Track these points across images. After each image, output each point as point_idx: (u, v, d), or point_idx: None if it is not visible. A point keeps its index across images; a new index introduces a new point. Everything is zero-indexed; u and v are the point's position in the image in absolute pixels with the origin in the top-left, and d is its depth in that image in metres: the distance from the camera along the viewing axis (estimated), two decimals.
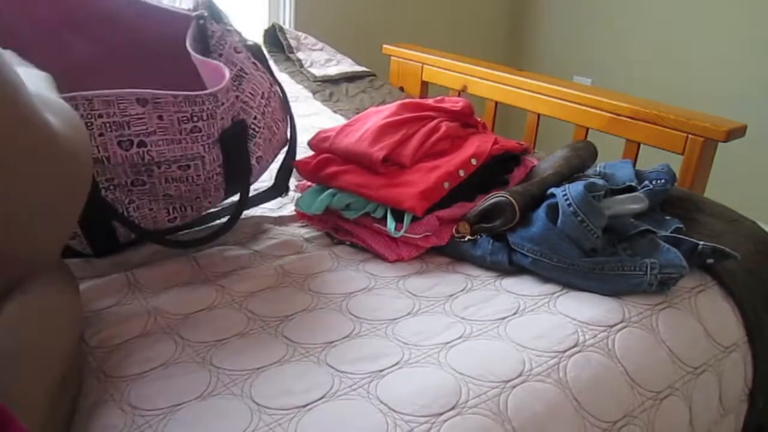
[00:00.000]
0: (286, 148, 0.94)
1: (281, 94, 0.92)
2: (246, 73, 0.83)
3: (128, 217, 0.75)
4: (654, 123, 1.22)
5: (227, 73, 0.77)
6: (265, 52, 0.93)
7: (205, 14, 0.85)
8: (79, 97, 0.66)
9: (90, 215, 0.70)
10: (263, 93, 0.85)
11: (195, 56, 0.80)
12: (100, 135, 0.68)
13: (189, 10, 0.87)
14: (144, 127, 0.69)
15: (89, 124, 0.67)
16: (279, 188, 0.95)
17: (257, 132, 0.82)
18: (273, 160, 0.90)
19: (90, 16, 0.89)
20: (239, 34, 0.92)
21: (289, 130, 0.93)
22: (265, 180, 1.00)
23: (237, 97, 0.80)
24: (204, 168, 0.75)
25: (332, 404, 0.58)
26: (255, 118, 0.82)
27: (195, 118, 0.72)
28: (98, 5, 0.89)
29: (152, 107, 0.70)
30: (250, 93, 0.83)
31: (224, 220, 0.85)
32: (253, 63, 0.86)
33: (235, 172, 0.80)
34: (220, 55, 0.84)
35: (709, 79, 2.36)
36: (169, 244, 0.78)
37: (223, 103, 0.75)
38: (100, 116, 0.67)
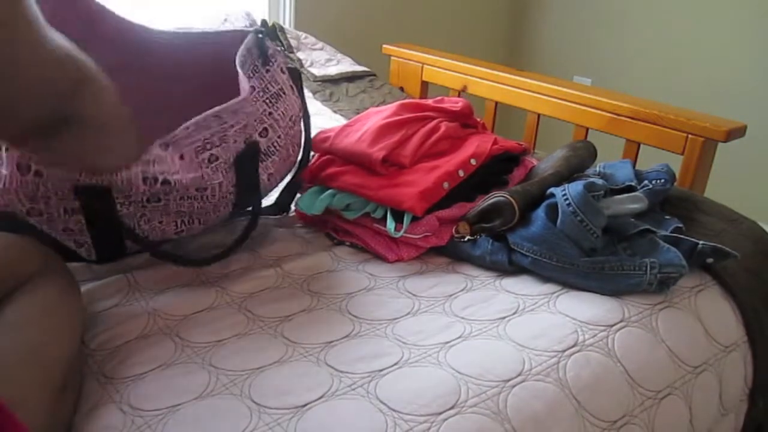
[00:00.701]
0: (294, 169, 0.96)
1: (305, 121, 0.95)
2: (284, 94, 0.85)
3: (138, 230, 0.75)
4: (654, 123, 1.22)
5: (243, 93, 0.78)
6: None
7: (264, 30, 0.88)
8: None
9: (103, 230, 0.72)
10: (292, 116, 0.86)
11: (240, 73, 0.81)
12: (126, 168, 0.68)
13: (246, 26, 0.90)
14: (167, 167, 0.71)
15: None
16: (281, 206, 0.96)
17: (276, 151, 0.83)
18: (282, 180, 0.91)
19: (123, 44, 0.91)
20: (283, 54, 0.93)
21: (301, 153, 0.94)
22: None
23: (270, 114, 0.82)
24: (220, 190, 0.76)
25: (332, 404, 0.58)
26: (279, 137, 0.83)
27: (208, 145, 0.74)
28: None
29: (173, 149, 0.71)
30: (282, 113, 0.84)
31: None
32: (291, 86, 0.88)
33: (247, 191, 0.80)
34: (267, 71, 0.85)
35: (709, 79, 2.36)
36: (181, 262, 0.78)
37: (232, 126, 0.76)
38: None
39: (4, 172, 0.67)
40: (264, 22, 0.90)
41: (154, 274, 0.79)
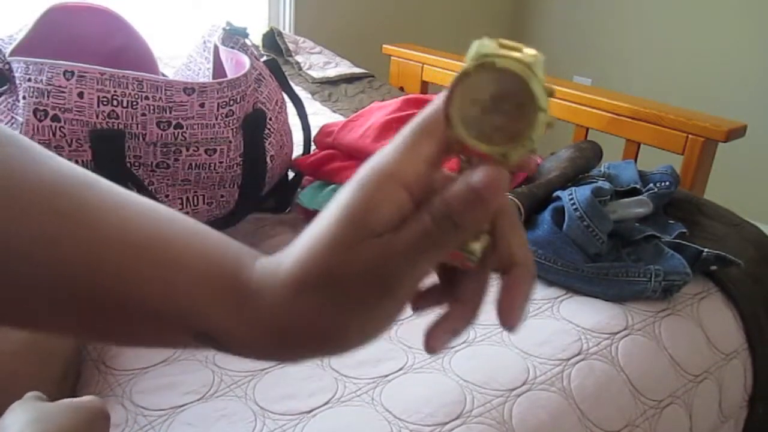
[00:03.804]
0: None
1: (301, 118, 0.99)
2: (264, 78, 0.87)
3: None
4: (654, 123, 1.22)
5: (247, 62, 0.82)
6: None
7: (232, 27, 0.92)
8: (130, 77, 0.71)
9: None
10: (276, 100, 0.88)
11: (222, 48, 0.87)
12: (142, 115, 0.72)
13: (214, 26, 0.94)
14: (184, 113, 0.74)
15: (134, 102, 0.71)
16: (280, 204, 0.97)
17: (271, 132, 0.85)
18: (282, 173, 0.92)
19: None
20: (257, 48, 0.97)
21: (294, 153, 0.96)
22: None
23: (257, 98, 0.84)
24: (228, 154, 0.78)
25: (337, 411, 0.57)
26: (270, 119, 0.85)
27: (232, 102, 0.77)
28: None
29: (197, 96, 0.74)
30: (267, 95, 0.86)
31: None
32: (270, 75, 0.90)
33: (252, 167, 0.82)
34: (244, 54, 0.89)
35: (709, 79, 2.36)
36: None
37: (250, 85, 0.81)
38: (146, 98, 0.72)
39: (20, 119, 0.68)
40: (229, 23, 0.93)
41: None
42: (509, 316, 0.29)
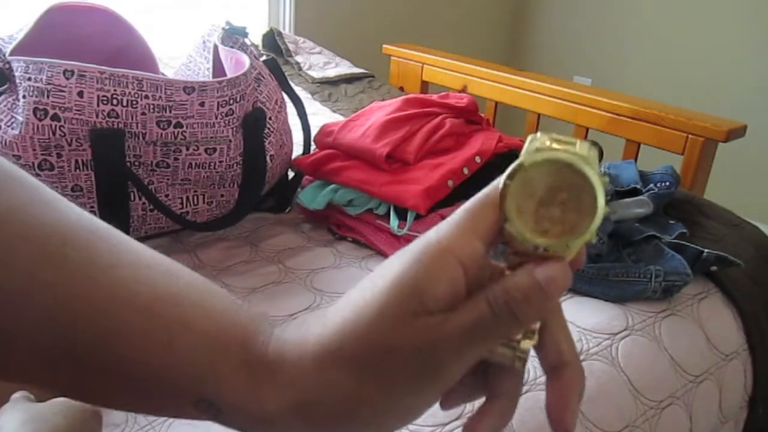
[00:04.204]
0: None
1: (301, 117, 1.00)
2: (264, 77, 0.87)
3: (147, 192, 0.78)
4: (654, 123, 1.22)
5: (247, 61, 0.82)
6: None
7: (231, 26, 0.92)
8: (130, 76, 0.71)
9: (112, 187, 0.74)
10: (276, 100, 0.88)
11: (222, 47, 0.87)
12: (142, 114, 0.72)
13: (213, 26, 0.94)
14: (184, 112, 0.74)
15: (134, 101, 0.71)
16: (280, 203, 0.97)
17: (271, 132, 0.85)
18: (282, 172, 0.92)
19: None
20: (257, 48, 0.97)
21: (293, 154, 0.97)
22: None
23: (256, 98, 0.84)
24: (228, 153, 0.78)
25: None
26: (270, 118, 0.85)
27: (231, 101, 0.77)
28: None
29: (197, 95, 0.74)
30: (267, 95, 0.86)
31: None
32: (269, 75, 0.90)
33: (252, 166, 0.82)
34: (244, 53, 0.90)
35: (709, 79, 2.36)
36: (186, 224, 0.81)
37: (249, 84, 0.81)
38: (146, 97, 0.72)
39: (20, 119, 0.68)
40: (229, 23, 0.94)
41: None
42: (563, 419, 0.28)
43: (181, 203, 0.80)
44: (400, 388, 0.27)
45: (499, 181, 0.27)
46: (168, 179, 0.78)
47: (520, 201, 0.26)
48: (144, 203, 0.78)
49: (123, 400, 0.29)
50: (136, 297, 0.28)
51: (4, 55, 0.73)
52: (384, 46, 1.78)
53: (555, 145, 0.26)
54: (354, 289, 0.29)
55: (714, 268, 0.82)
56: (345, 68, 1.74)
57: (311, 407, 0.28)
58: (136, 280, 0.29)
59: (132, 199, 0.77)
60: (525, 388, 0.62)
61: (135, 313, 0.28)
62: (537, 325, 0.28)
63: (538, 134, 0.27)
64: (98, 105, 0.70)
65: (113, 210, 0.77)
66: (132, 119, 0.72)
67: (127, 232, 0.81)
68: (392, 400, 0.27)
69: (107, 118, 0.71)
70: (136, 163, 0.75)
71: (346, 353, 0.27)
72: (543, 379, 0.65)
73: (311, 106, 1.49)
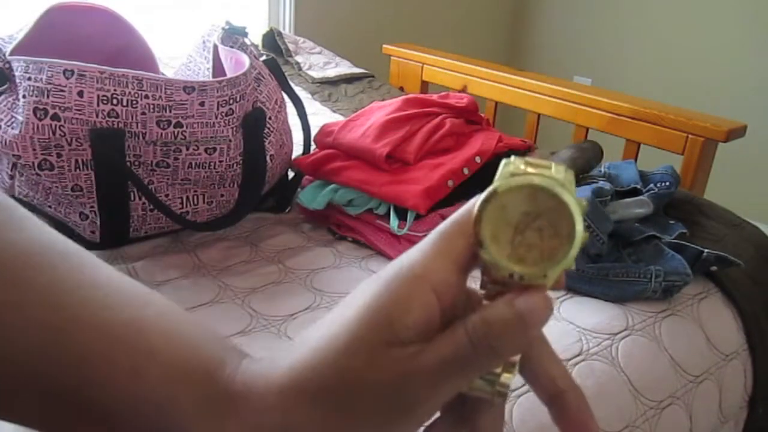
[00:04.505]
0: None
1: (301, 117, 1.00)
2: (263, 77, 0.87)
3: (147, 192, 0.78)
4: (654, 123, 1.22)
5: (247, 61, 0.82)
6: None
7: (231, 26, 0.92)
8: (130, 76, 0.71)
9: (111, 187, 0.74)
10: (276, 99, 0.88)
11: (222, 47, 0.88)
12: (142, 113, 0.72)
13: (213, 26, 0.94)
14: (184, 111, 0.74)
15: (134, 101, 0.71)
16: (280, 204, 0.97)
17: (271, 131, 0.85)
18: (282, 172, 0.92)
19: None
20: (257, 48, 0.97)
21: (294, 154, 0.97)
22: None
23: (256, 98, 0.84)
24: (228, 153, 0.78)
25: None
26: (270, 118, 0.85)
27: (231, 101, 0.77)
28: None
29: (197, 95, 0.74)
30: (267, 95, 0.86)
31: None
32: (269, 75, 0.90)
33: (252, 166, 0.82)
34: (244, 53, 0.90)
35: (709, 79, 2.36)
36: (186, 224, 0.80)
37: (249, 84, 0.81)
38: (146, 97, 0.72)
39: (20, 118, 0.68)
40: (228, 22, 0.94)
41: (155, 265, 0.78)
42: None
43: (181, 203, 0.80)
44: (370, 424, 0.26)
45: (473, 204, 0.26)
46: (168, 179, 0.78)
47: (495, 227, 0.25)
48: (144, 203, 0.78)
49: (80, 430, 0.28)
50: (101, 322, 0.27)
51: (4, 55, 0.73)
52: (384, 46, 1.78)
53: (530, 169, 0.26)
54: (323, 319, 0.27)
55: (714, 268, 0.82)
56: (345, 68, 1.74)
57: None
58: (102, 304, 0.28)
59: (132, 198, 0.77)
60: (525, 388, 0.62)
61: (99, 337, 0.27)
62: (517, 358, 0.27)
63: (513, 158, 0.27)
64: (98, 105, 0.70)
65: (113, 210, 0.77)
66: (132, 119, 0.72)
67: (127, 232, 0.81)
68: None
69: (107, 118, 0.71)
70: (136, 163, 0.75)
71: (313, 387, 0.26)
72: None
73: (311, 106, 1.49)
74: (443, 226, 0.27)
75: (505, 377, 0.26)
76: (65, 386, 0.26)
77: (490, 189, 0.25)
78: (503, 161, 0.27)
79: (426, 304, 0.25)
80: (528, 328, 0.25)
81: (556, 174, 0.25)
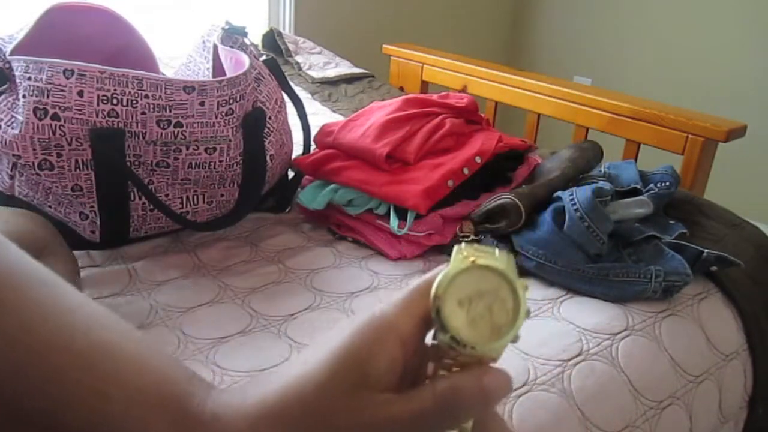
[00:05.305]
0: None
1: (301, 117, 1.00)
2: (263, 77, 0.87)
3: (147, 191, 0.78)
4: (654, 123, 1.22)
5: (247, 61, 0.82)
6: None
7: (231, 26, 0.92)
8: (130, 75, 0.71)
9: (111, 187, 0.74)
10: (276, 99, 0.88)
11: (222, 47, 0.88)
12: (142, 113, 0.72)
13: (213, 26, 0.94)
14: (184, 111, 0.74)
15: (134, 101, 0.71)
16: (280, 204, 0.97)
17: (271, 131, 0.85)
18: (282, 172, 0.92)
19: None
20: (256, 48, 0.97)
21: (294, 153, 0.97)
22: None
23: (256, 97, 0.84)
24: (228, 153, 0.78)
25: None
26: (270, 118, 0.85)
27: (231, 101, 0.77)
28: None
29: (197, 94, 0.74)
30: (267, 95, 0.86)
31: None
32: (269, 75, 0.90)
33: (252, 166, 0.82)
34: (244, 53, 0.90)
35: (709, 79, 2.36)
36: (185, 223, 0.80)
37: (249, 84, 0.80)
38: (146, 96, 0.72)
39: (20, 118, 0.68)
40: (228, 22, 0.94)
41: (155, 265, 0.78)
42: None
43: (181, 203, 0.80)
44: None
45: (437, 277, 0.30)
46: (168, 179, 0.78)
47: (452, 306, 0.29)
48: (144, 203, 0.78)
49: None
50: (74, 345, 0.27)
51: (4, 55, 0.73)
52: (384, 46, 1.78)
53: (478, 254, 0.30)
54: (297, 357, 0.29)
55: (714, 268, 0.82)
56: (345, 68, 1.74)
57: None
58: (75, 328, 0.28)
59: (132, 198, 0.77)
60: (525, 388, 0.62)
61: (71, 360, 0.27)
62: (470, 423, 0.30)
63: (463, 245, 0.31)
64: (98, 104, 0.70)
65: (113, 210, 0.77)
66: (132, 119, 0.72)
67: (127, 232, 0.82)
68: None
69: (107, 118, 0.71)
70: (136, 163, 0.75)
71: (284, 419, 0.27)
72: (543, 378, 0.65)
73: (311, 106, 1.49)
74: (415, 285, 0.30)
75: None
76: (35, 408, 0.27)
77: (442, 273, 0.29)
78: (455, 247, 0.31)
79: (393, 353, 0.28)
80: (490, 402, 0.28)
81: (500, 257, 0.30)
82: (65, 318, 0.28)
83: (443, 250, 0.87)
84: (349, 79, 1.68)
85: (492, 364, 0.29)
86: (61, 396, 0.27)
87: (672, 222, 0.89)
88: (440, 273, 0.29)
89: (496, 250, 0.31)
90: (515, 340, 0.29)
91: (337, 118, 1.40)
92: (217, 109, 0.76)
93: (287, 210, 0.97)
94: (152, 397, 0.28)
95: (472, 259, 0.29)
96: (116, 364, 0.28)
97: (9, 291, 0.27)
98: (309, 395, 0.27)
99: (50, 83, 0.69)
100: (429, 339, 0.31)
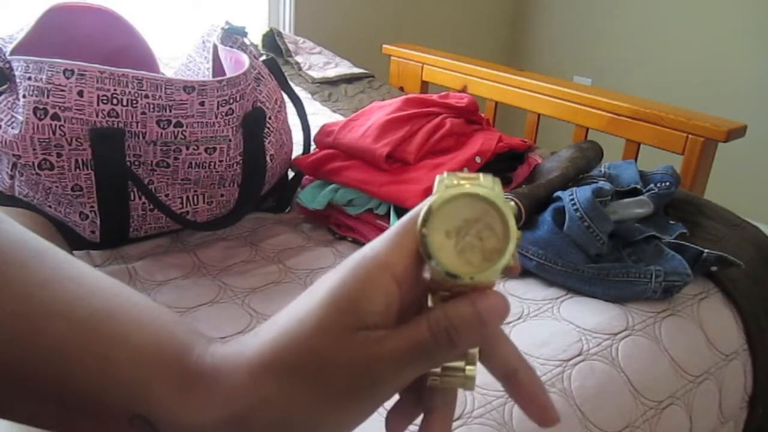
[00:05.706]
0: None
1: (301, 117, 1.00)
2: (263, 77, 0.87)
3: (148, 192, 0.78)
4: (654, 123, 1.22)
5: (247, 61, 0.82)
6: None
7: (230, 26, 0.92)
8: (130, 75, 0.71)
9: (111, 187, 0.74)
10: (276, 99, 0.88)
11: (222, 47, 0.88)
12: (142, 113, 0.72)
13: (213, 26, 0.94)
14: (184, 111, 0.74)
15: (134, 101, 0.71)
16: (280, 204, 0.97)
17: (271, 131, 0.85)
18: (282, 172, 0.92)
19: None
20: (256, 47, 0.97)
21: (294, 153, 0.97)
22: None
23: (256, 97, 0.84)
24: (228, 153, 0.78)
25: None
26: (270, 118, 0.85)
27: (231, 100, 0.77)
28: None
29: (197, 94, 0.74)
30: (267, 95, 0.86)
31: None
32: (269, 75, 0.90)
33: (252, 166, 0.82)
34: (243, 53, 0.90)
35: (709, 79, 2.36)
36: (185, 223, 0.81)
37: (249, 83, 0.80)
38: (146, 96, 0.72)
39: (20, 118, 0.68)
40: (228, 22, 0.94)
41: (155, 265, 0.78)
42: (544, 414, 0.30)
43: (181, 203, 0.80)
44: (335, 401, 0.27)
45: (421, 210, 0.28)
46: (168, 179, 0.78)
47: (439, 238, 0.28)
48: (144, 203, 0.78)
49: (57, 418, 0.29)
50: (73, 311, 0.28)
51: (4, 55, 0.73)
52: (384, 46, 1.78)
53: (462, 182, 0.28)
54: (292, 303, 0.29)
55: (714, 268, 0.82)
56: (345, 68, 1.74)
57: (246, 419, 0.27)
58: (73, 295, 0.29)
59: (132, 198, 0.77)
60: None
61: (72, 327, 0.28)
62: (476, 350, 0.30)
63: (446, 174, 0.29)
64: (98, 104, 0.70)
65: (113, 209, 0.77)
66: (132, 119, 0.72)
67: (127, 232, 0.82)
68: (326, 413, 0.27)
69: (107, 118, 0.71)
70: (136, 163, 0.75)
71: (282, 364, 0.27)
72: (543, 378, 0.65)
73: (311, 106, 1.49)
74: (404, 219, 0.29)
75: (470, 370, 0.30)
76: (38, 374, 0.27)
77: (427, 203, 0.28)
78: (437, 177, 0.29)
79: (387, 292, 0.27)
80: (485, 325, 0.27)
81: (485, 182, 0.29)
82: (64, 286, 0.29)
83: None
84: (349, 79, 1.68)
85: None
86: (64, 362, 0.27)
87: (672, 222, 0.89)
88: (425, 205, 0.28)
89: (481, 175, 0.29)
90: (508, 266, 0.28)
91: (337, 118, 1.40)
92: (217, 109, 0.76)
93: (287, 210, 0.97)
94: (153, 355, 0.28)
95: (454, 187, 0.28)
96: (116, 326, 0.29)
97: (5, 264, 0.28)
98: (304, 341, 0.27)
99: (50, 83, 0.69)
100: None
